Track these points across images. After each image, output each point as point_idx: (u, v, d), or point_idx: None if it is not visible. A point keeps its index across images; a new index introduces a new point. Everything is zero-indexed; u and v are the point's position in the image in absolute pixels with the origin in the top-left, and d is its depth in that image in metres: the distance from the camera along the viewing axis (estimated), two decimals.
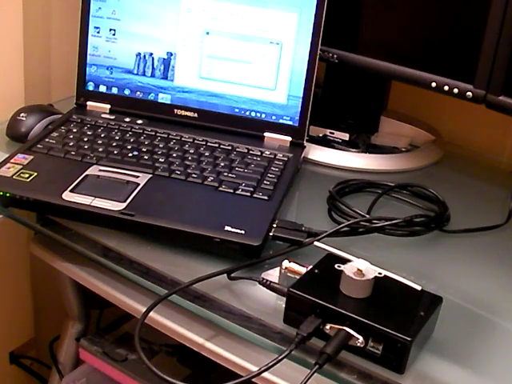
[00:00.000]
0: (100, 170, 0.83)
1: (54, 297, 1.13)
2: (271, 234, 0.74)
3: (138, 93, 0.98)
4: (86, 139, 0.90)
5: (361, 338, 0.60)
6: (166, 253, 0.75)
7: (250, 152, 0.91)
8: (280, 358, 0.59)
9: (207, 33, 0.94)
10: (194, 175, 0.83)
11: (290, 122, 0.94)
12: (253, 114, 0.95)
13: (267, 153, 0.91)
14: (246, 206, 0.79)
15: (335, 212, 0.83)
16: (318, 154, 0.97)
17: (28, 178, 0.80)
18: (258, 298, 0.69)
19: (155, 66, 0.96)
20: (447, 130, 1.09)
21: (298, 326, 0.62)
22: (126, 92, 0.98)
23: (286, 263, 0.69)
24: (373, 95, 1.07)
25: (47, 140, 0.88)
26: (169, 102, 0.97)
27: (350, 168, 0.96)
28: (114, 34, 0.97)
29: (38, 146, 0.87)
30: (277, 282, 0.68)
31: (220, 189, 0.82)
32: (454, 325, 0.68)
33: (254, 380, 0.62)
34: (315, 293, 0.63)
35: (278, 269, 0.70)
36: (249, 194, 0.81)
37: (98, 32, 0.97)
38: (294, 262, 0.69)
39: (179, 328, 0.74)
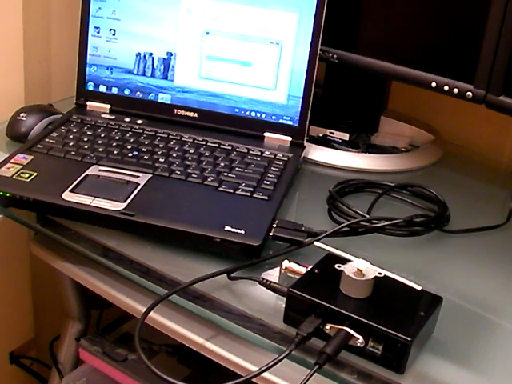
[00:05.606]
0: (100, 170, 0.83)
1: (54, 297, 1.13)
2: (271, 233, 0.74)
3: (138, 93, 0.98)
4: (86, 139, 0.90)
5: (361, 338, 0.60)
6: (166, 253, 0.75)
7: (250, 152, 0.91)
8: (280, 357, 0.59)
9: (207, 33, 0.94)
10: (194, 175, 0.83)
11: (290, 122, 0.94)
12: (253, 113, 0.95)
13: (267, 153, 0.91)
14: (245, 205, 0.79)
15: (335, 212, 0.83)
16: (317, 154, 0.97)
17: (28, 178, 0.80)
18: (258, 298, 0.69)
19: (155, 66, 0.96)
20: (447, 130, 1.09)
21: (297, 326, 0.62)
22: (126, 92, 0.98)
23: (285, 263, 0.69)
24: (373, 95, 1.07)
25: (47, 140, 0.88)
26: (169, 102, 0.97)
27: (350, 168, 0.96)
28: (114, 34, 0.97)
29: (38, 145, 0.87)
30: (277, 282, 0.68)
31: (220, 189, 0.82)
32: (454, 325, 0.68)
33: (254, 380, 0.62)
34: (315, 293, 0.63)
35: (277, 269, 0.70)
36: (249, 194, 0.81)
37: (98, 32, 0.97)
38: (294, 262, 0.69)
39: (179, 328, 0.74)
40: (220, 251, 0.74)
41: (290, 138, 0.93)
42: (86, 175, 0.82)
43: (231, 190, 0.81)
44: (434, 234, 0.81)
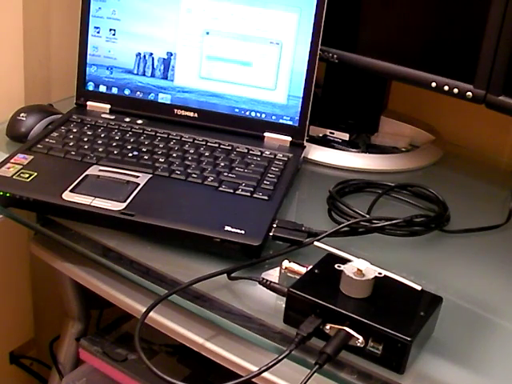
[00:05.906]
0: (100, 170, 0.83)
1: (54, 297, 1.13)
2: (271, 233, 0.74)
3: (138, 93, 0.98)
4: (86, 139, 0.90)
5: (361, 338, 0.60)
6: (166, 253, 0.75)
7: (250, 152, 0.91)
8: (280, 358, 0.59)
9: (207, 33, 0.94)
10: (194, 175, 0.83)
11: (290, 122, 0.94)
12: (253, 114, 0.95)
13: (267, 153, 0.91)
14: (245, 205, 0.79)
15: (335, 212, 0.83)
16: (317, 153, 0.97)
17: (28, 177, 0.80)
18: (257, 298, 0.69)
19: (155, 66, 0.96)
20: (447, 130, 1.09)
21: (297, 326, 0.62)
22: (126, 92, 0.98)
23: (285, 263, 0.69)
24: (373, 95, 1.07)
25: (47, 140, 0.88)
26: (169, 102, 0.97)
27: (350, 168, 0.96)
28: (114, 34, 0.97)
29: (38, 145, 0.87)
30: (277, 282, 0.68)
31: (220, 189, 0.82)
32: (454, 325, 0.68)
33: (254, 380, 0.62)
34: (315, 293, 0.63)
35: (278, 269, 0.70)
36: (249, 193, 0.81)
37: (98, 32, 0.97)
38: (294, 262, 0.69)
39: (179, 328, 0.74)
40: (220, 251, 0.74)
41: (289, 138, 0.93)
42: (86, 175, 0.82)
43: (231, 190, 0.81)
44: (433, 234, 0.81)
